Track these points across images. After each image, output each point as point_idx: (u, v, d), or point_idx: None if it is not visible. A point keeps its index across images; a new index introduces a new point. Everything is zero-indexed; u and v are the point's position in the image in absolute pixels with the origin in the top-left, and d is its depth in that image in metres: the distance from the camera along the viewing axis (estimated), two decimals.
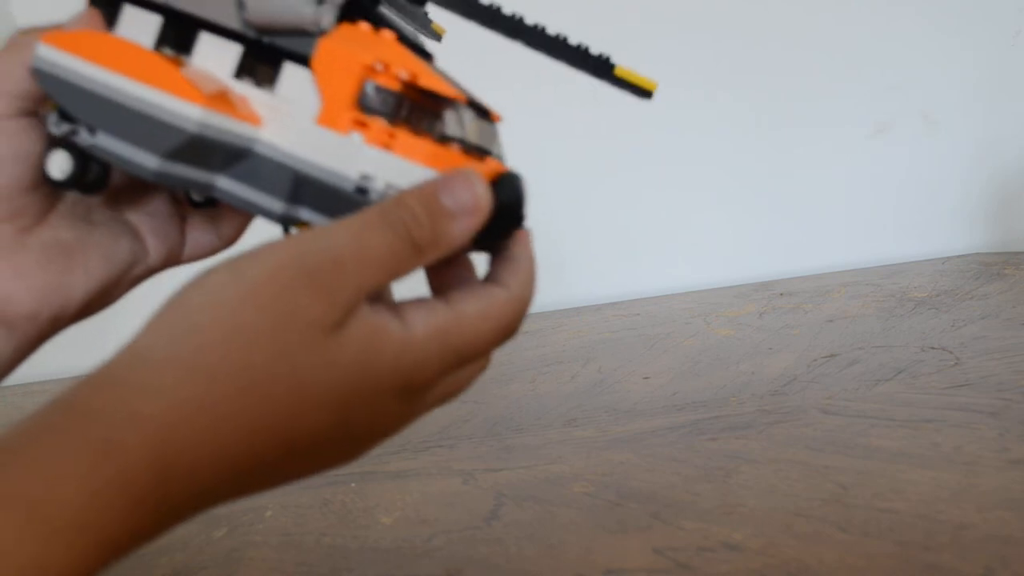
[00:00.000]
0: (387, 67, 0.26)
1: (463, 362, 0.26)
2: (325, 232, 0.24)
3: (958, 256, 1.04)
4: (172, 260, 0.35)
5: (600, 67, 0.28)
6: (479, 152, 0.28)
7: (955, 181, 1.07)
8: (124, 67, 0.26)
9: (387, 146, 0.26)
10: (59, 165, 0.29)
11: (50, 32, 0.27)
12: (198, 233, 0.35)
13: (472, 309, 0.26)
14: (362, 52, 0.26)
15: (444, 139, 0.26)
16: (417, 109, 0.27)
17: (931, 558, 0.30)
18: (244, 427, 0.22)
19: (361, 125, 0.26)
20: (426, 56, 0.30)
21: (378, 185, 0.26)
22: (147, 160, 0.26)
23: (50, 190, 0.31)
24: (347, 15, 0.27)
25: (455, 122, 0.27)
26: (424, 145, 0.26)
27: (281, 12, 0.26)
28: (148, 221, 0.34)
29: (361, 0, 0.28)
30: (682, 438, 0.46)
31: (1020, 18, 1.03)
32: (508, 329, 0.26)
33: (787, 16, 1.03)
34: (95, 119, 0.27)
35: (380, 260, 0.24)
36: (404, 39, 0.28)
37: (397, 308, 0.25)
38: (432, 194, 0.25)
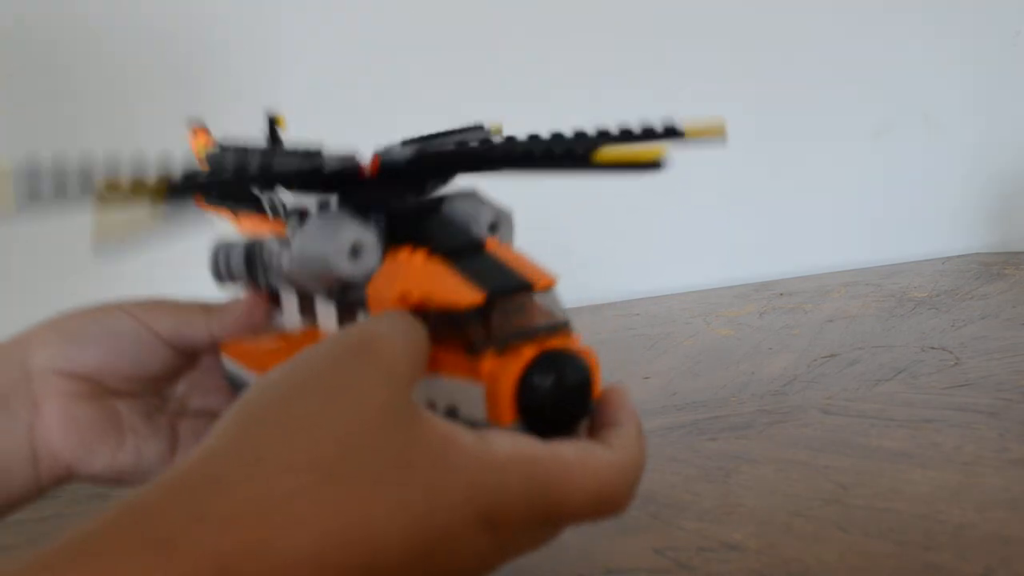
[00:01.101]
0: (407, 295, 0.27)
1: (551, 513, 0.23)
2: (370, 320, 0.25)
3: (958, 256, 1.04)
4: None
5: (579, 160, 0.26)
6: (519, 338, 0.26)
7: (955, 181, 1.06)
8: (255, 365, 0.33)
9: (433, 370, 0.27)
10: None
11: (226, 344, 0.34)
12: None
13: (569, 453, 0.23)
14: (388, 290, 0.27)
15: (473, 348, 0.26)
16: (444, 321, 0.26)
17: (931, 558, 0.30)
18: (314, 529, 0.20)
19: None
20: (472, 248, 0.28)
21: (440, 407, 0.27)
22: None
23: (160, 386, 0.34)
24: (393, 236, 0.29)
25: (479, 327, 0.26)
26: (457, 359, 0.26)
27: (326, 273, 0.28)
28: (192, 440, 0.35)
29: (402, 219, 0.29)
30: (682, 438, 0.46)
31: (1020, 18, 1.03)
32: (608, 494, 0.23)
33: (787, 16, 1.03)
34: None
35: (412, 330, 0.24)
36: (448, 237, 0.29)
37: (476, 428, 0.23)
38: None
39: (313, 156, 0.32)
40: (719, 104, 1.03)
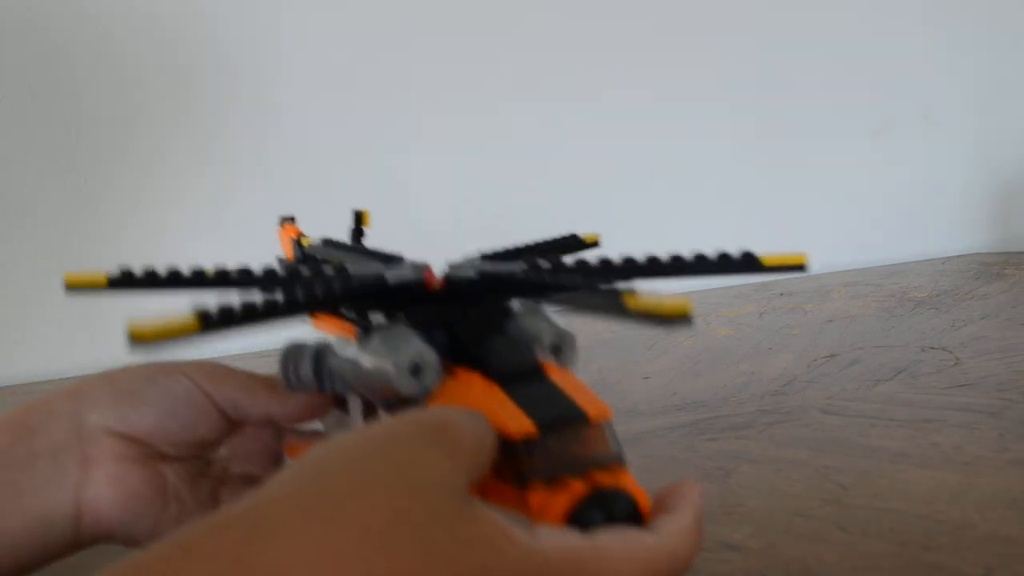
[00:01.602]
0: None
1: None
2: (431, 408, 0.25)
3: (958, 256, 1.04)
4: None
5: (747, 265, 0.28)
6: (570, 472, 0.26)
7: (955, 181, 1.07)
8: None
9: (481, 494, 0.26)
10: None
11: (291, 446, 0.35)
12: None
13: (615, 547, 0.23)
14: None
15: (522, 479, 0.25)
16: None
17: (931, 558, 0.30)
18: None
19: None
20: (530, 373, 0.28)
21: None
22: None
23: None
24: (455, 352, 0.29)
25: (529, 458, 0.26)
26: (505, 488, 0.26)
27: (386, 388, 0.29)
28: (236, 492, 0.35)
29: (464, 336, 0.30)
30: (682, 438, 0.46)
31: (1020, 18, 1.03)
32: None
33: (787, 16, 1.03)
34: None
35: (484, 431, 0.24)
36: (506, 360, 0.28)
37: (525, 523, 0.24)
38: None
39: (390, 260, 0.33)
40: (719, 104, 1.03)
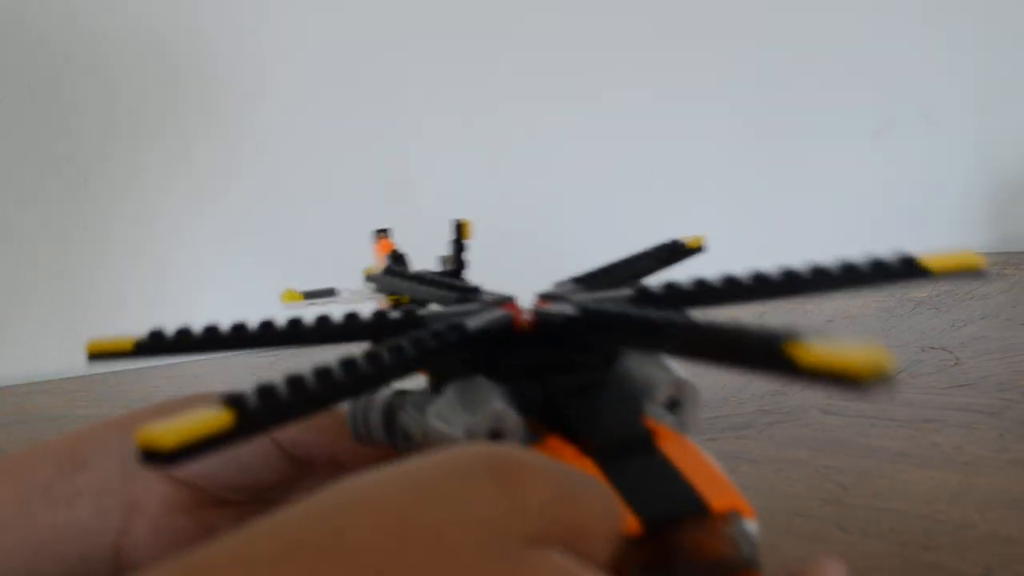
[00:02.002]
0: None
1: None
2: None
3: None
4: None
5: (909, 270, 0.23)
6: None
7: (955, 181, 1.06)
8: None
9: None
10: None
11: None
12: None
13: None
14: None
15: None
16: None
17: (931, 558, 0.30)
18: None
19: None
20: (637, 445, 0.22)
21: None
22: None
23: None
24: (545, 410, 0.24)
25: (635, 559, 0.20)
26: None
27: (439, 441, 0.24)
28: None
29: (557, 391, 0.24)
30: None
31: (1020, 18, 1.03)
32: None
33: (787, 16, 1.03)
34: None
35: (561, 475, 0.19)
36: (608, 428, 0.22)
37: None
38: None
39: (465, 293, 0.29)
40: (719, 104, 1.03)
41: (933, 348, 0.60)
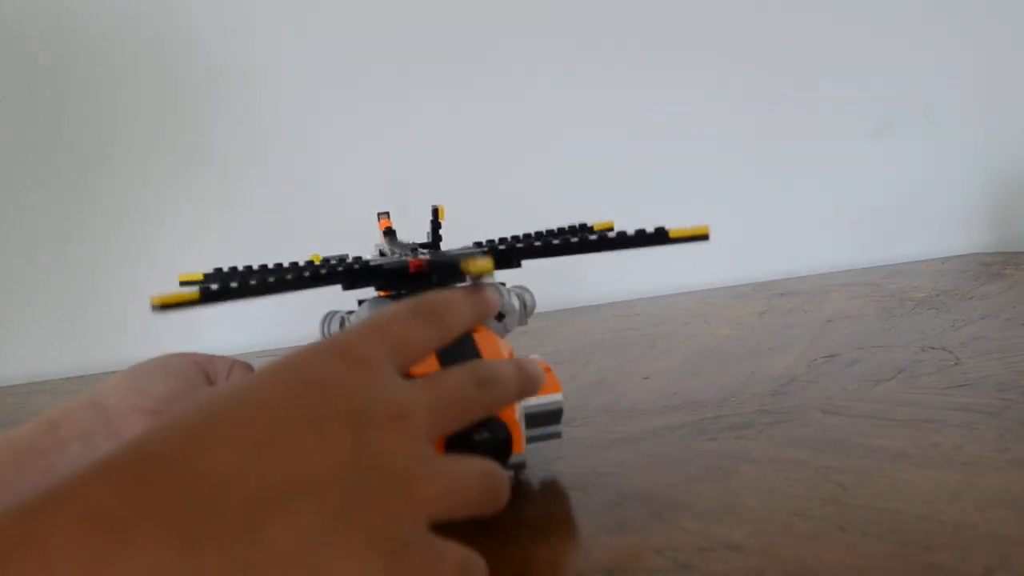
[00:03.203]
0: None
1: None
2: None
3: (958, 256, 1.04)
4: None
5: (657, 237, 0.34)
6: None
7: (955, 181, 1.07)
8: None
9: None
10: None
11: None
12: None
13: None
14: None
15: None
16: None
17: (931, 558, 0.30)
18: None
19: None
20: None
21: None
22: None
23: None
24: None
25: None
26: None
27: None
28: None
29: None
30: (682, 438, 0.46)
31: (1020, 18, 1.03)
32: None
33: (787, 16, 1.03)
34: None
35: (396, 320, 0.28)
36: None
37: None
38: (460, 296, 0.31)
39: (408, 252, 0.43)
40: (719, 104, 1.03)
41: (933, 348, 0.60)
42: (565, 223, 0.51)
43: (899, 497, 0.35)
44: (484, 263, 0.33)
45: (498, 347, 0.36)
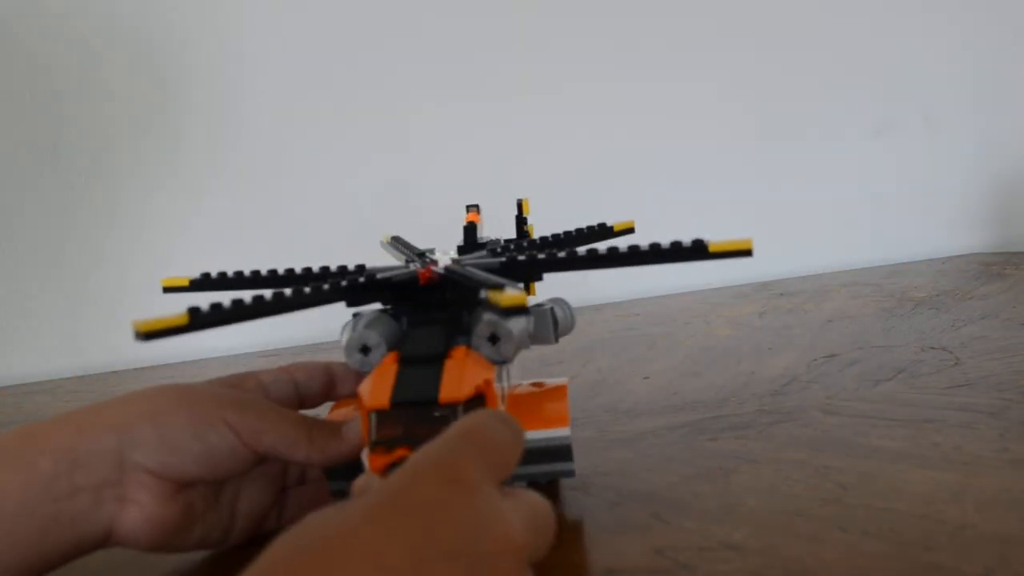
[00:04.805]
0: (361, 393, 0.32)
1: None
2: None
3: (958, 256, 1.04)
4: (234, 542, 0.37)
5: (696, 251, 0.33)
6: (400, 443, 0.30)
7: (955, 181, 1.07)
8: None
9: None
10: None
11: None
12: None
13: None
14: (364, 385, 0.32)
15: (370, 445, 0.30)
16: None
17: (931, 558, 0.30)
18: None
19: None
20: (432, 358, 0.33)
21: None
22: None
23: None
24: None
25: (380, 427, 0.31)
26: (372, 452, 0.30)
27: (350, 363, 0.36)
28: (247, 508, 0.37)
29: (417, 324, 0.35)
30: (682, 438, 0.46)
31: (1020, 17, 1.03)
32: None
33: (787, 17, 1.03)
34: None
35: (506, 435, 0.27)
36: (421, 345, 0.33)
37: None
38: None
39: (418, 258, 0.40)
40: (719, 104, 1.03)
41: (933, 348, 0.60)
42: (564, 224, 0.49)
43: (899, 497, 0.35)
44: (517, 297, 0.27)
45: (461, 380, 0.31)
